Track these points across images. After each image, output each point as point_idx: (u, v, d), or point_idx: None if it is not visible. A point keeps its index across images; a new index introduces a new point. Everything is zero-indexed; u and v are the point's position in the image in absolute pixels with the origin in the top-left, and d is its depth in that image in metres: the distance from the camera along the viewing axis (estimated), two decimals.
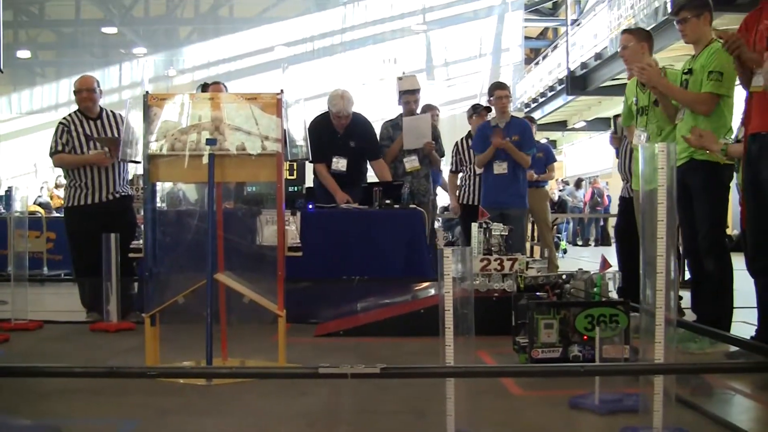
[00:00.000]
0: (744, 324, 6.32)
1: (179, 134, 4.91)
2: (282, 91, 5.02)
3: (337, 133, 8.38)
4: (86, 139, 7.33)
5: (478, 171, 9.13)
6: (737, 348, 5.06)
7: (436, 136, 8.98)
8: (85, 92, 7.42)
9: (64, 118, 7.49)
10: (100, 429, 3.91)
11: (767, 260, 4.85)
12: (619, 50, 6.78)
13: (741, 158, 6.01)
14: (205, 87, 8.51)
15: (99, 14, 26.90)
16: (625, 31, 6.91)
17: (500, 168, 8.48)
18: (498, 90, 8.73)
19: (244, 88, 15.72)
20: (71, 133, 7.34)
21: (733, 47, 5.06)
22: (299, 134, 5.41)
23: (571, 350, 4.83)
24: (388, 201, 7.84)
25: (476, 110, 9.59)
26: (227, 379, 4.65)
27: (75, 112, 7.52)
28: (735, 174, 6.13)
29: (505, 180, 8.51)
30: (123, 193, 7.50)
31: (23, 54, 27.87)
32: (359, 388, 4.36)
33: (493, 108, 9.08)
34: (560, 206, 23.74)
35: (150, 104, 4.96)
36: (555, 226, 15.28)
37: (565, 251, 19.57)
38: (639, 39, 6.65)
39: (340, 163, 8.33)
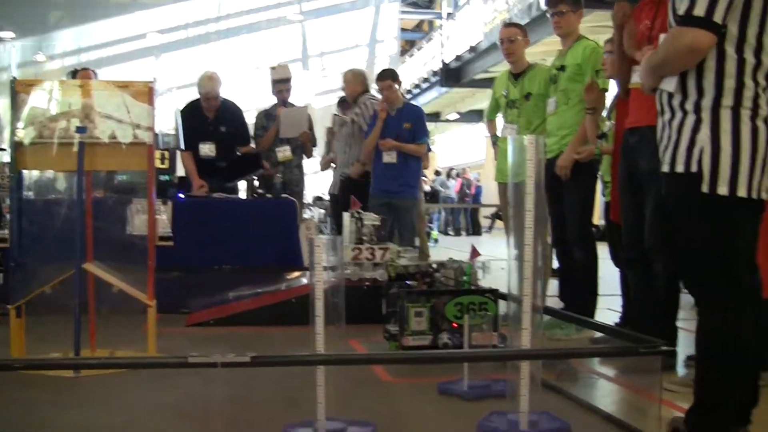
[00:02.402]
0: (608, 311, 6.52)
1: (48, 121, 4.81)
2: (154, 79, 4.97)
3: (207, 118, 8.31)
4: None
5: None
6: (602, 334, 5.22)
7: (309, 126, 8.97)
8: None
9: None
10: None
11: (640, 251, 5.01)
12: (500, 42, 6.85)
13: (606, 152, 6.21)
14: (75, 74, 8.34)
15: None
16: (509, 25, 7.03)
17: (389, 157, 8.26)
18: (379, 81, 8.44)
19: (116, 75, 15.41)
20: None
21: (619, 16, 5.18)
22: (171, 123, 5.37)
23: (441, 338, 4.92)
24: (261, 190, 7.84)
25: (341, 103, 9.60)
26: (96, 371, 4.59)
27: None
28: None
29: (394, 169, 8.28)
30: None
31: None
32: (230, 377, 4.33)
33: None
34: (432, 196, 24.02)
35: (18, 90, 4.84)
36: (427, 216, 15.45)
37: (436, 241, 19.78)
38: (524, 34, 6.81)
39: (207, 148, 8.25)
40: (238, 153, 8.57)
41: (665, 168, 3.15)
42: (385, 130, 8.26)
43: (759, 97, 2.99)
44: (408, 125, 8.25)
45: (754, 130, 2.98)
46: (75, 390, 4.40)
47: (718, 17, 2.92)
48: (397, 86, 8.40)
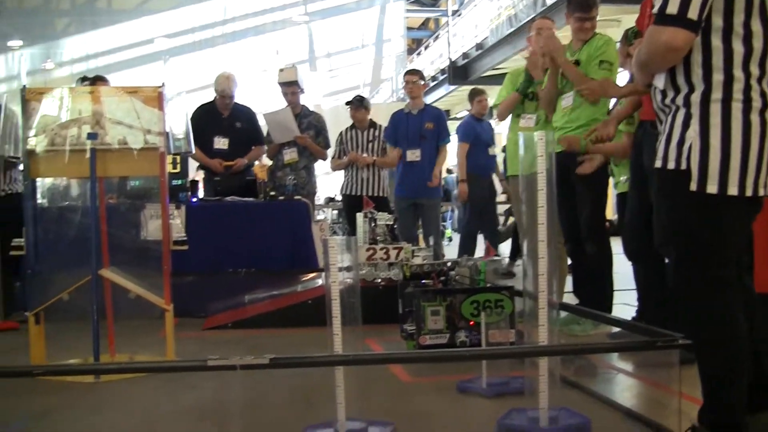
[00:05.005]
0: (625, 306, 6.50)
1: (59, 129, 4.82)
2: (163, 83, 4.97)
3: (222, 114, 8.52)
4: None
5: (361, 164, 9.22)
6: (619, 329, 5.20)
7: (320, 129, 8.97)
8: None
9: None
10: None
11: (641, 243, 5.00)
12: (531, 33, 6.86)
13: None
14: (84, 80, 8.34)
15: None
16: (542, 17, 7.05)
17: (413, 155, 8.41)
18: (407, 75, 8.79)
19: (125, 81, 15.44)
20: None
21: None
22: (181, 127, 5.37)
23: (458, 336, 4.91)
24: (273, 193, 7.88)
25: (351, 102, 9.62)
26: (115, 375, 4.61)
27: None
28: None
29: (417, 168, 8.41)
30: (8, 191, 7.24)
31: None
32: (249, 379, 4.35)
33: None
34: (445, 194, 23.97)
35: (28, 98, 4.84)
36: (441, 214, 15.45)
37: (450, 239, 19.76)
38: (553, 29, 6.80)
39: (221, 142, 8.42)
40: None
41: (658, 164, 3.10)
42: (409, 129, 8.37)
43: (751, 89, 2.91)
44: (430, 125, 8.42)
45: (746, 125, 2.90)
46: (95, 395, 4.42)
47: (692, 13, 2.84)
48: (422, 82, 8.80)
